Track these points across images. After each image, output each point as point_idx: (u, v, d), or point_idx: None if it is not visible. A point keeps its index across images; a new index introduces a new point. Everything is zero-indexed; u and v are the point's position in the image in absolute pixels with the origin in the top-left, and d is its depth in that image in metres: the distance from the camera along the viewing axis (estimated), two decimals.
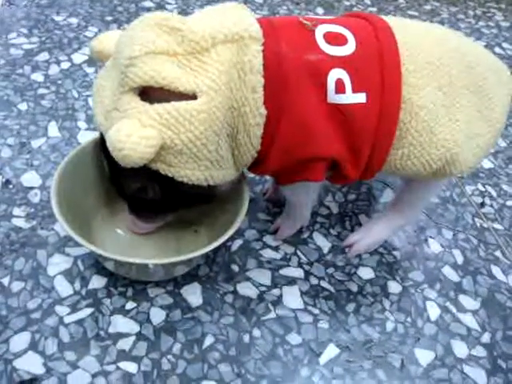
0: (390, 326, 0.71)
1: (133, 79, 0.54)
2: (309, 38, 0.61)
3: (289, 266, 0.76)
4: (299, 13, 1.38)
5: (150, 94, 0.55)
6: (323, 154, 0.62)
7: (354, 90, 0.60)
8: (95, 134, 0.70)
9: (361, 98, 0.61)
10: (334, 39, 0.61)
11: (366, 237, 0.79)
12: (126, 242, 0.73)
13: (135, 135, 0.53)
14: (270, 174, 0.74)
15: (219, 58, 0.56)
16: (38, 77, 1.03)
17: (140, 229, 0.73)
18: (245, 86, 0.57)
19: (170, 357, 0.64)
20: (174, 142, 0.55)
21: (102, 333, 0.65)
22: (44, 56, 1.09)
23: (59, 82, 1.03)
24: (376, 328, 0.70)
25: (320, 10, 1.43)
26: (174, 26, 0.56)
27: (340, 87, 0.60)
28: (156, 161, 0.56)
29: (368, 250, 0.80)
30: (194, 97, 0.55)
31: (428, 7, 1.54)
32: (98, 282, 0.70)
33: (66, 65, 1.08)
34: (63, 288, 0.69)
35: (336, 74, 0.60)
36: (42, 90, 1.00)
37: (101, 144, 0.63)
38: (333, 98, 0.60)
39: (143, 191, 0.62)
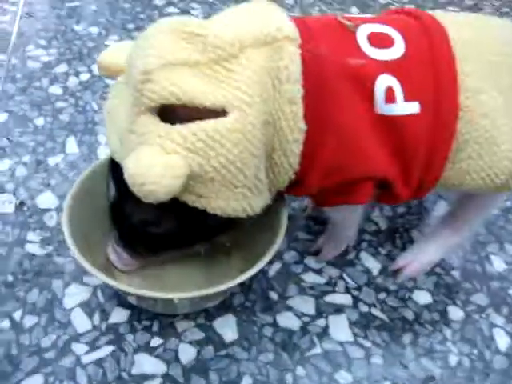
0: (453, 359, 0.62)
1: (150, 97, 0.46)
2: (350, 40, 0.53)
3: (334, 291, 0.68)
4: (333, 14, 1.30)
5: (170, 113, 0.47)
6: (371, 173, 0.54)
7: (406, 99, 0.52)
8: None
9: (413, 107, 0.52)
10: (379, 41, 0.53)
11: (417, 259, 0.70)
12: (149, 269, 0.65)
13: (158, 165, 0.44)
14: (307, 196, 0.65)
15: (250, 64, 0.48)
16: (56, 90, 0.98)
17: (124, 265, 0.63)
18: (281, 96, 0.48)
19: None
20: (204, 169, 0.47)
21: (124, 374, 0.58)
22: (63, 68, 1.03)
23: (78, 94, 0.97)
24: (437, 362, 0.61)
25: (355, 10, 1.34)
26: (194, 31, 0.48)
27: (390, 96, 0.52)
28: (183, 192, 0.47)
29: (420, 274, 0.71)
30: (223, 113, 0.47)
31: (470, 2, 1.44)
32: (119, 316, 0.63)
33: (85, 76, 1.02)
34: (81, 322, 0.62)
35: (385, 80, 0.52)
36: (60, 104, 0.94)
37: (111, 166, 0.55)
38: (382, 108, 0.52)
39: (155, 224, 0.54)
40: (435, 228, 0.73)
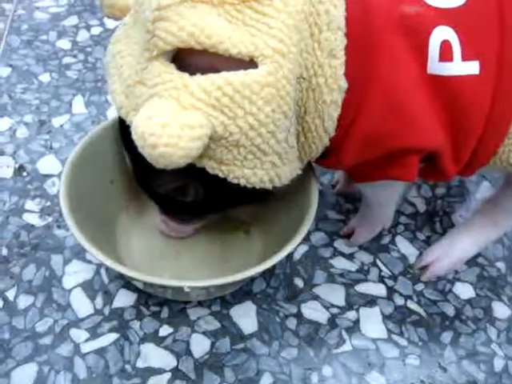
0: (498, 363, 0.56)
1: (164, 39, 0.38)
2: None
3: (367, 280, 0.61)
4: None
5: (187, 59, 0.39)
6: (420, 144, 0.47)
7: (465, 58, 0.44)
8: None
9: (472, 67, 0.44)
10: None
11: (447, 255, 0.62)
12: (159, 248, 0.59)
13: (174, 124, 0.36)
14: (343, 169, 0.57)
15: (286, 6, 0.39)
16: (64, 44, 0.90)
17: (175, 232, 0.59)
18: (319, 47, 0.41)
19: None
20: (229, 131, 0.39)
21: (128, 367, 0.52)
22: (73, 20, 0.95)
23: (88, 49, 0.89)
24: (481, 366, 0.55)
25: None
26: None
27: (446, 53, 0.43)
28: (201, 156, 0.40)
29: (450, 271, 0.63)
30: (251, 64, 0.39)
31: None
32: (125, 299, 0.57)
33: (96, 30, 0.94)
34: (81, 305, 0.56)
35: (441, 33, 0.43)
36: (67, 59, 0.87)
37: (120, 129, 0.48)
38: (435, 67, 0.44)
39: (181, 192, 0.48)
40: (471, 217, 0.65)
